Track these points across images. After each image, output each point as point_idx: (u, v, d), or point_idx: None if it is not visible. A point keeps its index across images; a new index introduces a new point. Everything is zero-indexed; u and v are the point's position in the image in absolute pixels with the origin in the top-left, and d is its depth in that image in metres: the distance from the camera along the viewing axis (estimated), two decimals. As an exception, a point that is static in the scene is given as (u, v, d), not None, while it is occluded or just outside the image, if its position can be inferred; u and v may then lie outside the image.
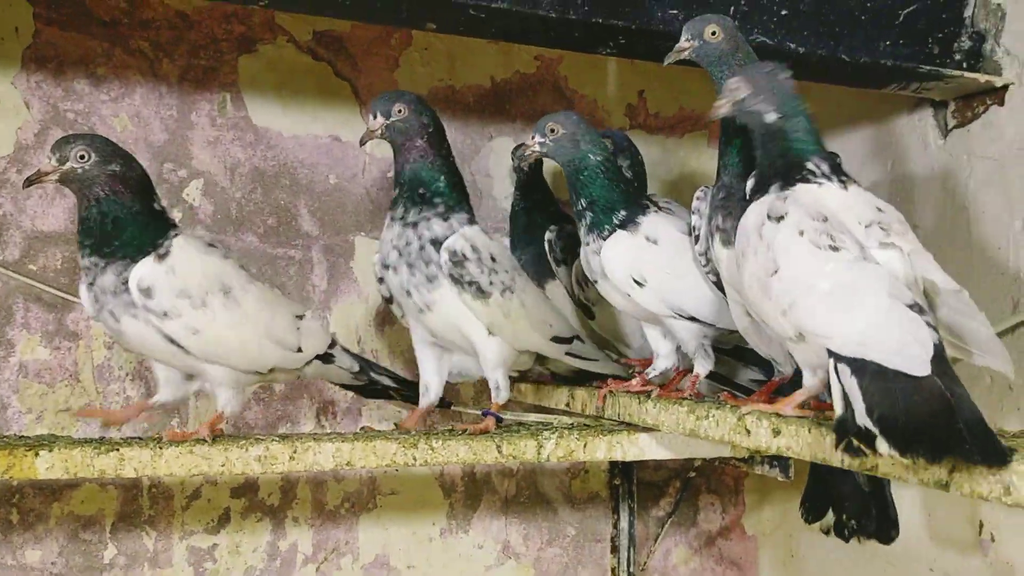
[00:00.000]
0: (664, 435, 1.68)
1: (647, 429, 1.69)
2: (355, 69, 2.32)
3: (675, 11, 1.74)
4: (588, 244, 1.70)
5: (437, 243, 1.67)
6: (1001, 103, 1.90)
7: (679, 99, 2.57)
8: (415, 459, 1.60)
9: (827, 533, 1.84)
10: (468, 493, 2.34)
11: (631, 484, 2.40)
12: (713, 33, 1.52)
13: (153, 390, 1.70)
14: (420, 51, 2.36)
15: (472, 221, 1.73)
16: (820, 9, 1.80)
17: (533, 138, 1.72)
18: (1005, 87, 1.89)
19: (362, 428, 1.84)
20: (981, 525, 1.89)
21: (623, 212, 1.68)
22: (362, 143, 1.73)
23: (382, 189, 2.31)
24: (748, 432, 1.37)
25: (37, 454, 1.46)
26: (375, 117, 1.69)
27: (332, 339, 1.76)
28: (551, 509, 2.41)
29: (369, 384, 1.84)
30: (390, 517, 2.27)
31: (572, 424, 1.77)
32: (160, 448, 1.50)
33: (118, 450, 1.48)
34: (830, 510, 1.84)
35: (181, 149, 2.18)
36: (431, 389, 1.83)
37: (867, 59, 1.80)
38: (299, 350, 1.68)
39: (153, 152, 2.15)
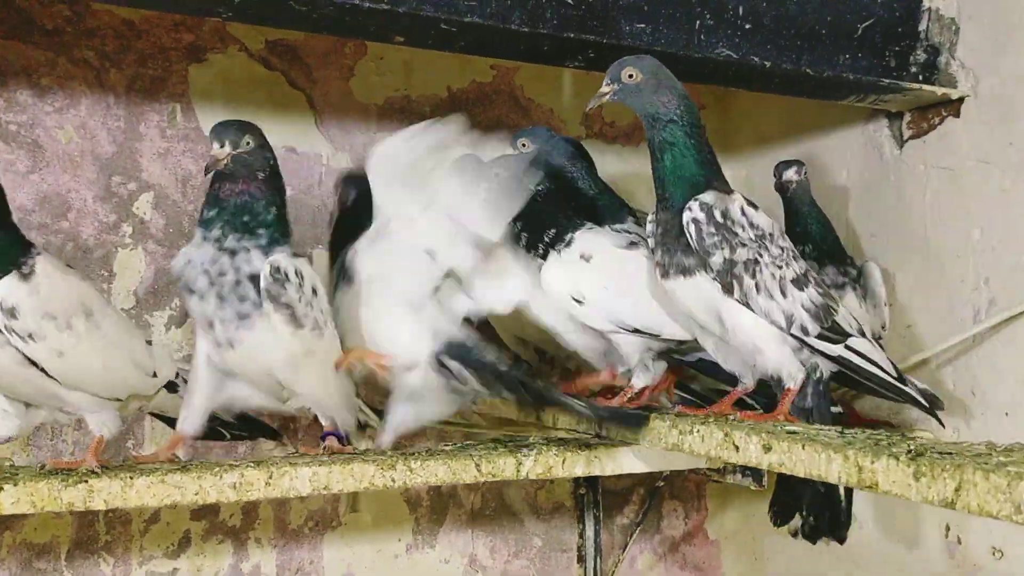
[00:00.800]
0: (643, 449, 1.68)
1: (626, 443, 1.69)
2: (309, 79, 2.27)
3: (643, 25, 1.75)
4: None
5: (255, 279, 1.54)
6: (956, 115, 1.95)
7: (633, 107, 2.58)
8: (394, 480, 1.57)
9: (795, 535, 1.86)
10: (434, 507, 2.31)
11: (596, 493, 2.40)
12: (631, 76, 1.57)
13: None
14: (375, 60, 2.33)
15: (295, 256, 1.63)
16: (782, 23, 1.82)
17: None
18: (961, 99, 1.94)
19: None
20: (947, 528, 1.93)
21: (552, 231, 1.73)
22: (207, 172, 1.58)
23: (339, 201, 2.27)
24: (736, 448, 1.37)
25: (1, 488, 1.39)
26: (222, 145, 1.57)
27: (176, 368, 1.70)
28: (517, 520, 2.40)
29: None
30: (355, 535, 2.24)
31: (548, 439, 1.76)
32: (131, 478, 1.44)
33: (86, 482, 1.42)
34: (797, 514, 1.87)
35: (130, 161, 2.10)
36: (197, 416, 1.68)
37: (830, 72, 1.83)
38: (154, 375, 1.64)
39: (101, 165, 2.08)
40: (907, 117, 2.06)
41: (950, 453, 1.12)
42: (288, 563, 2.17)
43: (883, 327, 1.95)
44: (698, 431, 1.47)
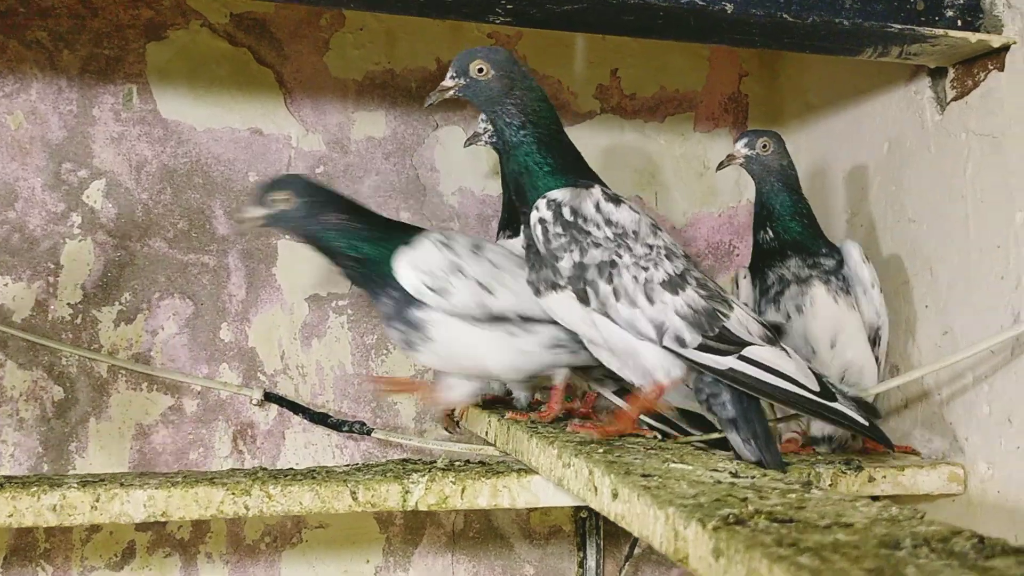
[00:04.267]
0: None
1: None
2: (279, 54, 2.08)
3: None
4: None
5: None
6: (1001, 67, 1.53)
7: (659, 77, 2.25)
8: (247, 508, 1.35)
9: None
10: (408, 526, 2.08)
11: (599, 517, 2.10)
12: (480, 70, 1.37)
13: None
14: (354, 32, 2.11)
15: None
16: (762, -43, 1.47)
17: None
18: (1006, 47, 1.52)
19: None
20: None
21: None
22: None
23: (309, 187, 2.07)
24: (595, 489, 1.07)
25: None
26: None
27: None
28: (506, 545, 2.13)
29: None
30: (317, 554, 2.04)
31: (449, 463, 1.49)
32: (-59, 495, 1.29)
33: None
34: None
35: (81, 147, 1.98)
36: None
37: (817, 19, 1.46)
38: None
39: (51, 151, 1.97)
40: (951, 74, 1.65)
41: (789, 520, 0.79)
42: (235, 582, 2.00)
43: (877, 315, 1.59)
44: (574, 465, 1.17)
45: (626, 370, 1.30)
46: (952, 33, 1.52)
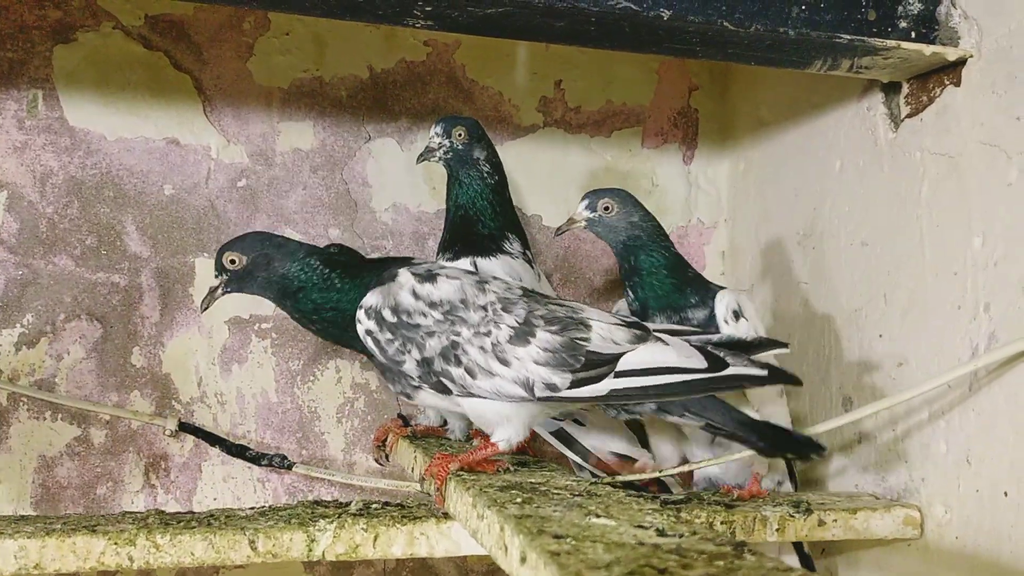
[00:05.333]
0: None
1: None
2: (199, 59, 1.95)
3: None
4: None
5: None
6: (958, 82, 1.43)
7: (606, 90, 2.14)
8: (131, 560, 1.21)
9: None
10: (336, 565, 1.95)
11: (538, 554, 1.97)
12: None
13: None
14: (280, 37, 1.98)
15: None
16: (707, -36, 1.36)
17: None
18: (962, 60, 1.42)
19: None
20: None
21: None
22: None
23: (230, 201, 1.94)
24: (505, 549, 0.95)
25: None
26: None
27: None
28: (439, 584, 2.00)
29: None
30: (234, 595, 1.90)
31: (363, 506, 1.36)
32: None
33: None
34: None
35: (-20, 157, 1.84)
36: None
37: (761, 29, 1.35)
38: None
39: (-54, 161, 1.82)
40: (905, 89, 1.56)
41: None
42: (141, 628, 1.85)
43: None
44: (487, 517, 1.05)
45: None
46: (905, 45, 1.42)
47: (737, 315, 1.42)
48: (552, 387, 1.17)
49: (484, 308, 1.21)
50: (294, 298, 1.31)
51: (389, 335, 1.22)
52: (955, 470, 1.38)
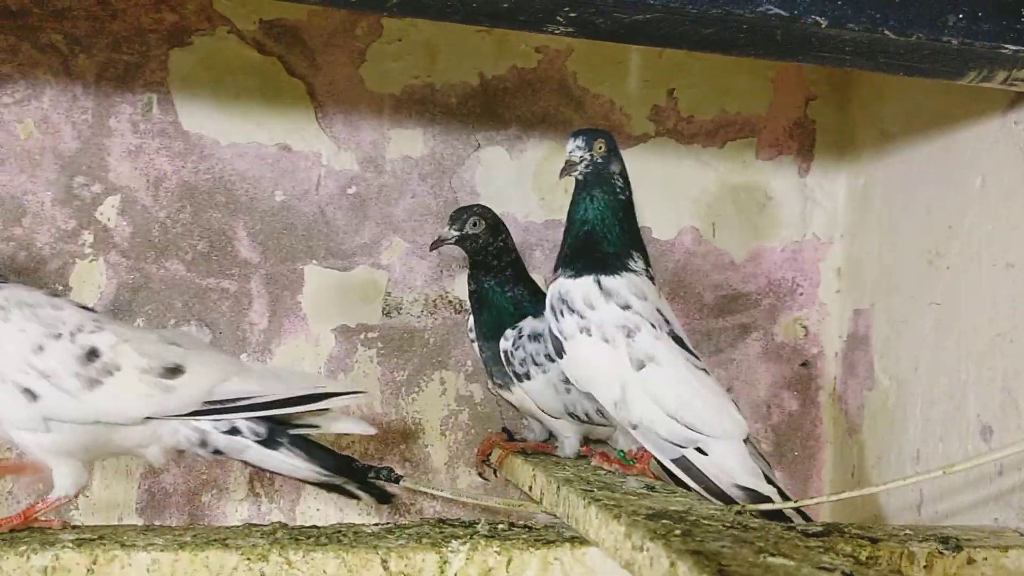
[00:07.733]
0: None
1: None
2: (312, 65, 1.93)
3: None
4: None
5: None
6: None
7: (721, 99, 2.08)
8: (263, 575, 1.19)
9: None
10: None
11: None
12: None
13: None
14: (392, 43, 1.96)
15: None
16: (860, -31, 1.30)
17: None
18: None
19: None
20: None
21: None
22: None
23: (339, 208, 1.92)
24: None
25: None
26: None
27: None
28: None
29: None
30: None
31: (490, 527, 1.31)
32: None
33: None
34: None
35: (96, 160, 1.83)
36: None
37: (922, 37, 1.29)
38: None
39: (63, 163, 1.82)
40: (1059, 102, 1.48)
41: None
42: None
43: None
44: (648, 550, 0.99)
45: None
46: (1070, 55, 1.34)
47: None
48: None
49: None
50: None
51: None
52: None
